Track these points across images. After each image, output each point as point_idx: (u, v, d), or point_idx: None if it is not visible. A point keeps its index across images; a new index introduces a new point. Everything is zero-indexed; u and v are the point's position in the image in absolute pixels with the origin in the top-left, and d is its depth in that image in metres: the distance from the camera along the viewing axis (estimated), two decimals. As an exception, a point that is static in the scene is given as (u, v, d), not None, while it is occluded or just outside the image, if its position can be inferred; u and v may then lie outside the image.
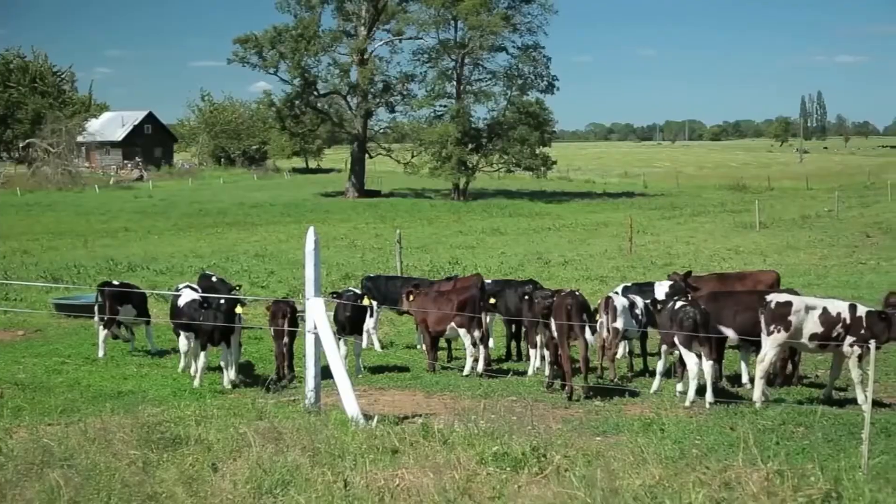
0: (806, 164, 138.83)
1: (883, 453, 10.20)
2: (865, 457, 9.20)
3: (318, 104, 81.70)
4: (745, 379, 15.37)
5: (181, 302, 16.62)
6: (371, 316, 18.61)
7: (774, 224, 50.68)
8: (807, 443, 10.95)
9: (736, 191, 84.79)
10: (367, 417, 11.04)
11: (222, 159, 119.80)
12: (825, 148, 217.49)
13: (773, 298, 14.05)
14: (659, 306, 15.18)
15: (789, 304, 13.72)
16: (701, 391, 13.88)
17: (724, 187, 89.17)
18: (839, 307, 13.66)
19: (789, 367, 15.33)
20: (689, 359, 14.04)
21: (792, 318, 13.58)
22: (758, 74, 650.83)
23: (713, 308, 15.61)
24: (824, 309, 13.61)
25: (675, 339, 14.14)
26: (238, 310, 15.81)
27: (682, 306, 14.39)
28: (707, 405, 13.64)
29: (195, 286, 18.05)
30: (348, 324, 16.65)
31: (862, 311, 13.58)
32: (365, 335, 18.50)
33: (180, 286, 17.93)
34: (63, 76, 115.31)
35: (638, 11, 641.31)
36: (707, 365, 13.84)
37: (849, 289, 26.34)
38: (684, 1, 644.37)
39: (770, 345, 13.77)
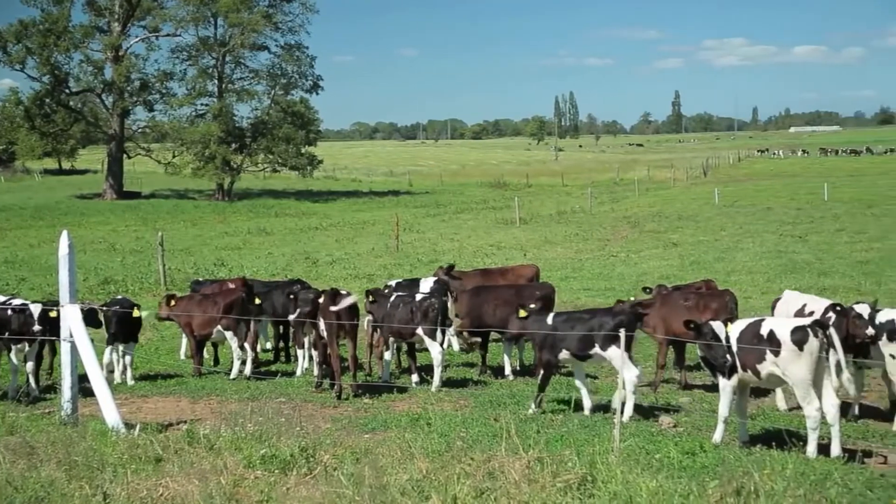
0: (561, 161, 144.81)
1: (633, 436, 10.82)
2: (617, 440, 9.72)
3: (71, 102, 77.86)
4: (507, 371, 15.87)
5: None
6: None
7: (533, 220, 52.56)
8: (565, 430, 11.42)
9: (497, 188, 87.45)
10: (129, 426, 10.69)
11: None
12: (581, 146, 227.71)
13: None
14: (371, 297, 15.65)
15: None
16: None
17: (486, 185, 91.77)
18: (816, 305, 13.15)
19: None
20: (434, 348, 14.69)
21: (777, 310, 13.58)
22: (514, 75, 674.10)
23: (476, 302, 16.10)
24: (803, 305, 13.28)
25: (419, 330, 14.70)
26: None
27: (425, 298, 15.02)
28: (434, 388, 14.37)
29: None
30: (120, 332, 16.05)
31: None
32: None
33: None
34: None
35: (399, 12, 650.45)
36: (437, 353, 14.65)
37: (602, 280, 27.73)
38: (443, 3, 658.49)
39: None
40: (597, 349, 12.62)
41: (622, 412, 11.58)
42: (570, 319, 13.08)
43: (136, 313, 16.07)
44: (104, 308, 16.21)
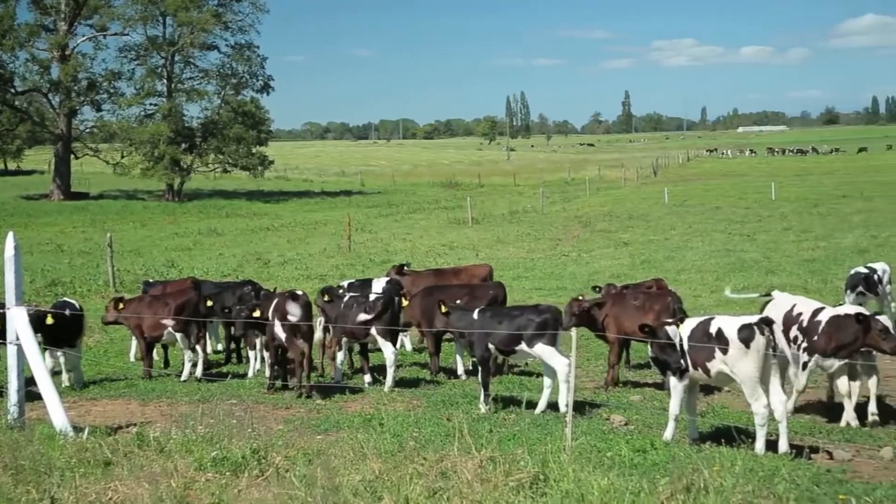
0: (513, 161, 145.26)
1: (584, 434, 10.89)
2: (569, 439, 9.78)
3: (16, 102, 76.67)
4: (460, 371, 15.88)
5: None
6: None
7: (485, 219, 52.67)
8: (517, 429, 11.46)
9: (449, 188, 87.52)
10: (77, 430, 10.56)
11: None
12: (532, 146, 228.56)
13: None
14: (327, 296, 15.66)
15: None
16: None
17: (438, 185, 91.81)
18: (805, 307, 12.50)
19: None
20: (387, 348, 14.76)
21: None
22: (466, 75, 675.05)
23: (429, 303, 16.08)
24: (792, 307, 12.56)
25: (374, 330, 14.75)
26: None
27: (378, 297, 15.21)
28: (387, 388, 14.44)
29: None
30: (63, 335, 15.76)
31: (826, 314, 12.24)
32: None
33: None
34: None
35: (351, 12, 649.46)
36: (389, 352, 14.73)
37: (554, 279, 27.86)
38: (395, 3, 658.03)
39: None
40: (523, 346, 12.81)
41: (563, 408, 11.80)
42: (496, 315, 13.28)
43: (49, 320, 15.34)
44: (31, 311, 15.78)
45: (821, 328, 12.00)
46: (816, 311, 12.32)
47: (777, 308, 12.65)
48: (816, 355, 11.94)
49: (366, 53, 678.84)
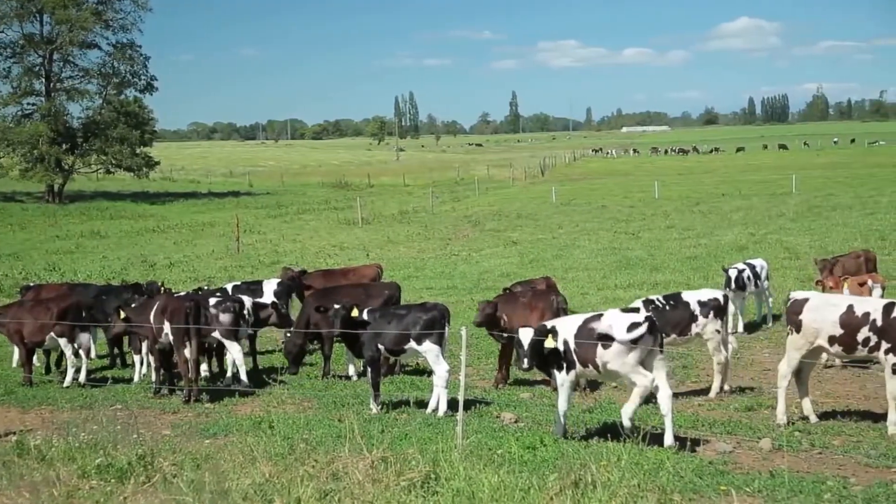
0: (403, 161, 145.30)
1: (476, 433, 10.98)
2: (460, 437, 9.85)
3: None
4: (351, 371, 15.84)
5: None
6: None
7: (375, 220, 52.58)
8: (409, 428, 11.50)
9: (338, 188, 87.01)
10: (-46, 441, 10.21)
11: None
12: (423, 146, 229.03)
13: (792, 297, 12.21)
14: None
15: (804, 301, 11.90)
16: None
17: (328, 185, 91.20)
18: (868, 306, 11.61)
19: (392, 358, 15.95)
20: (233, 348, 14.93)
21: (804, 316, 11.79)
22: (354, 75, 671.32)
23: (325, 304, 15.98)
24: (849, 307, 11.57)
25: (216, 333, 14.90)
26: None
27: (220, 301, 15.33)
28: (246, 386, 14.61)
29: None
30: None
31: None
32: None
33: None
34: None
35: (238, 11, 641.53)
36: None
37: (444, 279, 27.99)
38: (282, 3, 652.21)
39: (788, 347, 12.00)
40: (412, 344, 12.93)
41: (443, 408, 12.19)
42: (384, 315, 13.35)
43: None
44: None
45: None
46: (889, 308, 11.32)
47: (822, 309, 11.67)
48: None
49: (253, 53, 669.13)
